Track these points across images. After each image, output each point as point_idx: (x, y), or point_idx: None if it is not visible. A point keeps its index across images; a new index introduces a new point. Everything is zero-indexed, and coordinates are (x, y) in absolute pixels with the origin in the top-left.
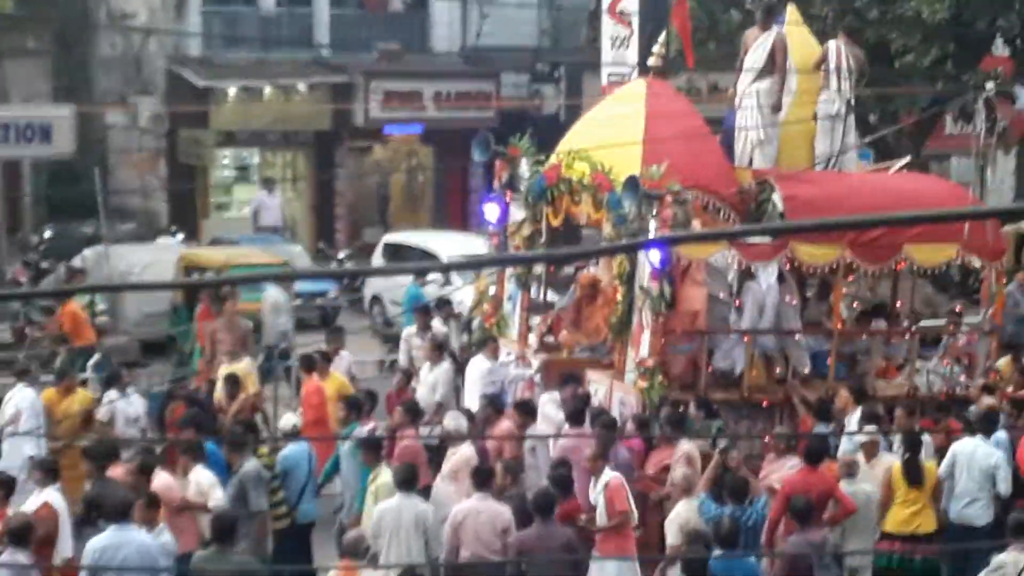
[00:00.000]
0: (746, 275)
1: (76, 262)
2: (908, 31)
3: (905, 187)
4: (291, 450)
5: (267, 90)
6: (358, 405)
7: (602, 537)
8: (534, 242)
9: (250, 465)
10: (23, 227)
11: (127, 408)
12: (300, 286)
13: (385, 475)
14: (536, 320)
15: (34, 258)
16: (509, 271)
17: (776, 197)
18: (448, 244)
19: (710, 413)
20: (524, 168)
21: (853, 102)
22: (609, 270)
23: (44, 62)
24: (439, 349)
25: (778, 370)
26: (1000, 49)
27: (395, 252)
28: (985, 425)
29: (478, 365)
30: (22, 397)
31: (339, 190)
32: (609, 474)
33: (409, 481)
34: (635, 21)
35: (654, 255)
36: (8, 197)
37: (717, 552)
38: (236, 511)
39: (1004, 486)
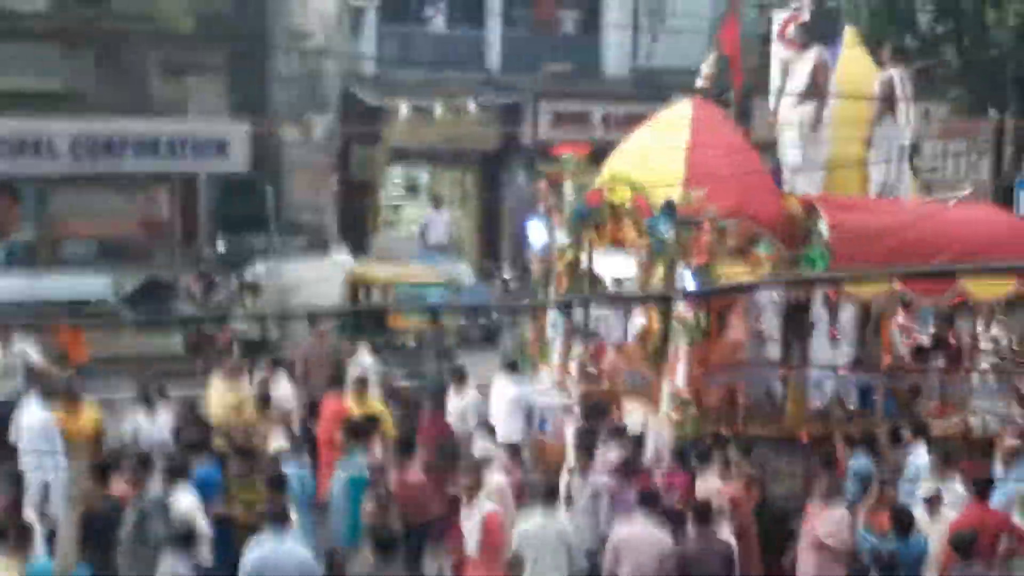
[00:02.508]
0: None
1: (247, 275)
2: None
3: (960, 219)
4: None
5: (438, 109)
6: (357, 430)
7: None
8: (576, 267)
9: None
10: (197, 239)
11: (150, 428)
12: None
13: None
14: (579, 348)
15: (207, 271)
16: (552, 295)
17: (822, 224)
18: (612, 264)
19: (747, 452)
20: (568, 191)
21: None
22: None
23: (221, 79)
24: (461, 377)
25: (818, 403)
26: None
27: None
28: None
29: (504, 388)
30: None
31: (508, 207)
32: (487, 505)
33: (551, 496)
34: None
35: (690, 281)
36: (184, 210)
37: None
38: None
39: None
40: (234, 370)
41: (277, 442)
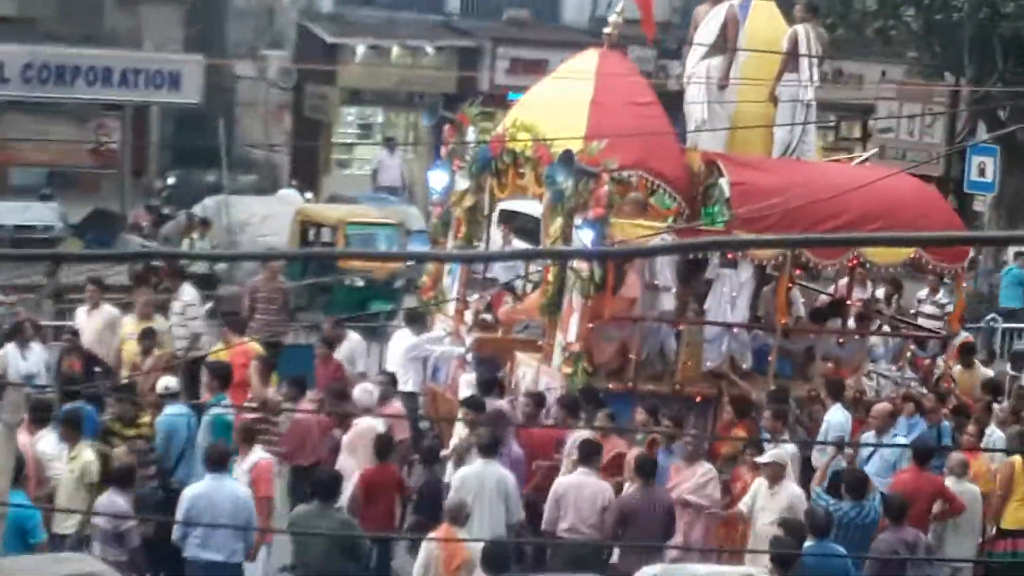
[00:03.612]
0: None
1: (197, 210)
2: None
3: (864, 180)
4: (170, 413)
5: (395, 50)
6: (223, 374)
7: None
8: (476, 213)
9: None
10: (148, 172)
11: (18, 362)
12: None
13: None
14: (475, 296)
15: (157, 203)
16: (451, 242)
17: (723, 182)
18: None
19: (599, 403)
20: (471, 136)
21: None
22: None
23: (177, 11)
24: (338, 323)
25: (708, 363)
26: None
27: (510, 218)
28: None
29: (402, 339)
30: None
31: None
32: (259, 454)
33: (492, 447)
34: None
35: (586, 234)
36: (135, 143)
37: (809, 543)
38: (335, 471)
39: None
40: (148, 306)
41: (163, 381)
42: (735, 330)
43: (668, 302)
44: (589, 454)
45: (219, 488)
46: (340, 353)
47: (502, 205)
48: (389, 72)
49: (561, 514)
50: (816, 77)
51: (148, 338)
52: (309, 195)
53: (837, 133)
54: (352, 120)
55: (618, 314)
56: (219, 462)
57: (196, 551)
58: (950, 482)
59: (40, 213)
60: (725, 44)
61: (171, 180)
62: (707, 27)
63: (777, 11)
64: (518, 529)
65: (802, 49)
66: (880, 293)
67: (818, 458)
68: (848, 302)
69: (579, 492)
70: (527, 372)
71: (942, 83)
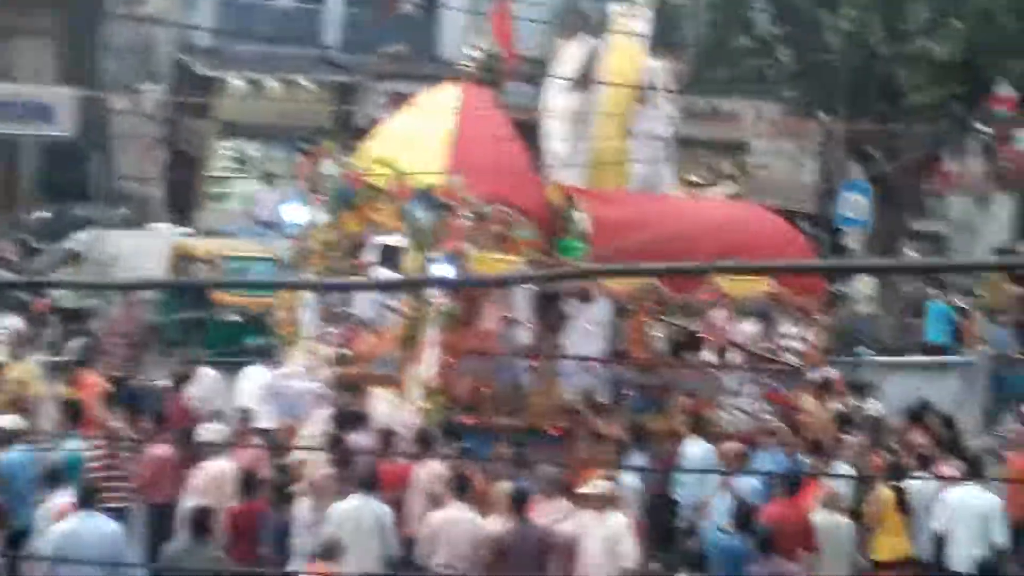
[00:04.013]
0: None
1: (69, 244)
2: (917, 69)
3: (721, 214)
4: (12, 454)
5: (271, 84)
6: (74, 410)
7: None
8: (333, 247)
9: None
10: (17, 205)
11: None
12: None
13: None
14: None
15: (26, 237)
16: (306, 275)
17: (581, 215)
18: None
19: (458, 438)
20: (328, 169)
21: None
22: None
23: (51, 43)
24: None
25: (564, 395)
26: (1007, 89)
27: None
28: None
29: (256, 376)
30: None
31: None
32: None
33: (369, 484)
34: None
35: (443, 268)
36: (6, 174)
37: None
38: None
39: None
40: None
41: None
42: (591, 364)
43: (523, 336)
44: (462, 488)
45: (90, 525)
46: (195, 390)
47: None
48: (265, 106)
49: (436, 549)
50: (670, 112)
51: None
52: (189, 229)
53: (712, 170)
54: (227, 154)
55: (475, 348)
56: (88, 499)
57: None
58: (822, 515)
59: None
60: (585, 80)
61: (42, 214)
62: (565, 62)
63: (636, 48)
64: (394, 564)
65: (657, 83)
66: (749, 328)
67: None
68: (704, 337)
69: (453, 527)
70: (382, 407)
71: (815, 120)
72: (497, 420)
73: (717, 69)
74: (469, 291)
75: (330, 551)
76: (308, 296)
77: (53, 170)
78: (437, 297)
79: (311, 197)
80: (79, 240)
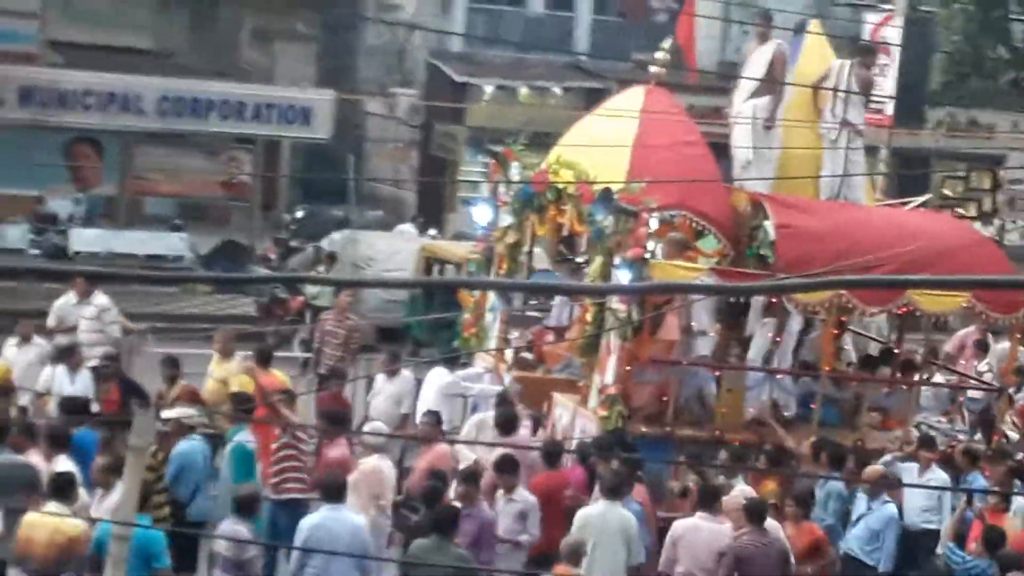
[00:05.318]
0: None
1: (324, 244)
2: None
3: (913, 224)
4: (185, 445)
5: (522, 90)
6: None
7: None
8: (518, 250)
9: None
10: (277, 206)
11: (65, 386)
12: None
13: None
14: (515, 334)
15: (285, 236)
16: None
17: (768, 224)
18: None
19: (628, 448)
20: (515, 172)
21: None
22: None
23: (310, 47)
24: (396, 359)
25: (751, 409)
26: None
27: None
28: None
29: (436, 377)
30: None
31: None
32: None
33: (616, 489)
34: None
35: (624, 274)
36: (266, 176)
37: None
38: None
39: None
40: (227, 344)
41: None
42: (778, 376)
43: (704, 347)
44: (709, 497)
45: (337, 518)
46: (392, 388)
47: None
48: (516, 112)
49: (678, 556)
50: (855, 116)
51: (172, 367)
52: (433, 231)
53: (967, 183)
54: (479, 159)
55: (656, 357)
56: (335, 493)
57: None
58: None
59: (170, 243)
60: (772, 84)
61: (300, 214)
62: (754, 66)
63: (830, 50)
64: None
65: (837, 85)
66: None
67: None
68: (897, 351)
69: (695, 535)
70: (563, 413)
71: None
72: (679, 431)
73: (971, 80)
74: (651, 299)
75: (571, 554)
76: (493, 299)
77: (311, 171)
78: (619, 304)
79: (497, 200)
80: (334, 240)
